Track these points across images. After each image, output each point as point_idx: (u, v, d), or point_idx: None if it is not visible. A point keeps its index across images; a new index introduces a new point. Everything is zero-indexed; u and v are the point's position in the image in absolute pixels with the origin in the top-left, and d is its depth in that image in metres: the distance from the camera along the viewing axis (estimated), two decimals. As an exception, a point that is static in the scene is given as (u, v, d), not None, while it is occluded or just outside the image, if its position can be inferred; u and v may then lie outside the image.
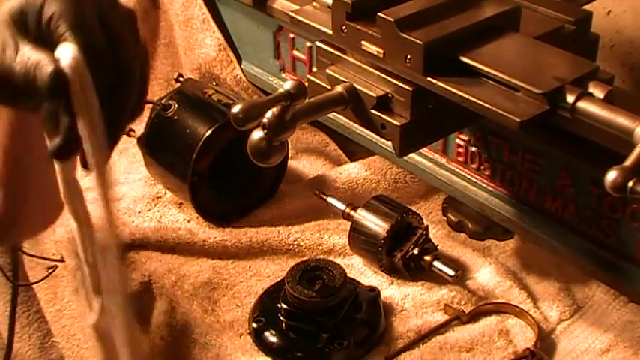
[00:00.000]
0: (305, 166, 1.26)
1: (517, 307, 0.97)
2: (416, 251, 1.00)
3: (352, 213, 1.04)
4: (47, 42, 0.66)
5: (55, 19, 0.66)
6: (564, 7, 0.91)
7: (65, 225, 1.18)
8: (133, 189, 1.21)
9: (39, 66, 0.64)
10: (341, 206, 1.07)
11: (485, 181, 1.00)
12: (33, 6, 0.67)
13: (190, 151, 1.06)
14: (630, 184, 0.65)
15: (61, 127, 0.65)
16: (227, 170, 1.10)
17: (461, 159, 1.02)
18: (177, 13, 1.35)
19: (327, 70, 0.89)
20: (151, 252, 1.10)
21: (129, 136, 1.18)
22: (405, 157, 0.91)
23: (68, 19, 0.66)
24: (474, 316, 0.97)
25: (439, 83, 0.79)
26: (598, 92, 0.75)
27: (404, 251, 1.00)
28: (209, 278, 1.04)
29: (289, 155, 1.18)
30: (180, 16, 1.34)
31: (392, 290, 1.02)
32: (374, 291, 0.98)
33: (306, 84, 0.81)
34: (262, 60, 1.27)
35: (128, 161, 1.30)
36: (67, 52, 0.64)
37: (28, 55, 0.65)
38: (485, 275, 1.02)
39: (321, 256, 1.06)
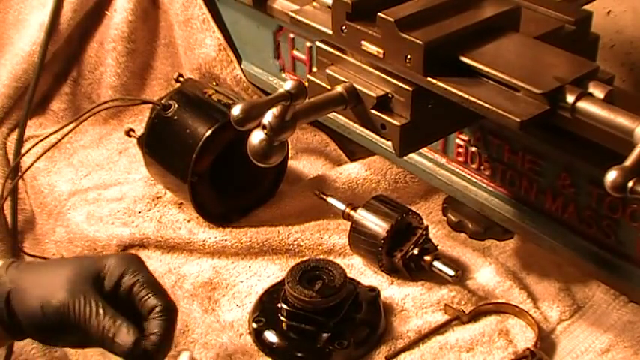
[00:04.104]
0: (305, 166, 1.26)
1: (517, 307, 0.97)
2: (416, 251, 1.00)
3: (352, 213, 1.04)
4: (123, 304, 0.82)
5: (139, 286, 0.83)
6: (564, 7, 0.91)
7: (65, 225, 1.18)
8: (133, 189, 1.21)
9: (118, 336, 0.78)
10: (341, 206, 1.07)
11: (485, 181, 1.00)
12: (111, 275, 0.83)
13: (190, 151, 1.06)
14: (630, 184, 0.65)
15: None
16: (227, 170, 1.10)
17: (461, 159, 1.02)
18: (177, 13, 1.35)
19: (327, 70, 0.89)
20: (151, 252, 1.10)
21: (129, 136, 1.19)
22: (405, 157, 0.91)
23: (150, 286, 0.83)
24: (474, 316, 0.97)
25: (439, 83, 0.79)
26: (598, 92, 0.75)
27: (404, 251, 1.00)
28: (209, 278, 1.04)
29: (289, 155, 1.18)
30: (180, 16, 1.34)
31: (392, 290, 1.02)
32: (374, 291, 0.98)
33: (306, 84, 0.81)
34: (262, 60, 1.27)
35: (128, 161, 1.30)
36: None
37: (105, 320, 0.79)
38: (485, 275, 1.02)
39: (321, 256, 1.06)
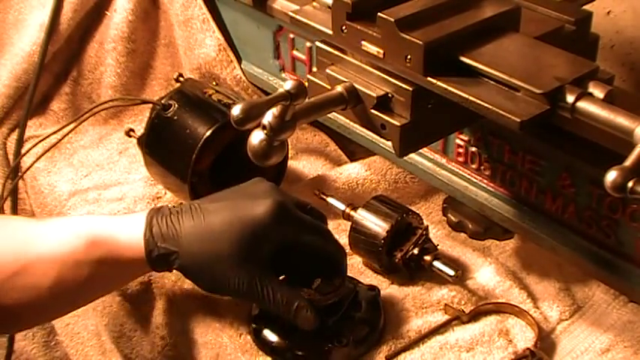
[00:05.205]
0: (305, 166, 1.26)
1: (517, 307, 0.97)
2: (416, 251, 1.00)
3: (352, 213, 1.04)
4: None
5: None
6: (564, 7, 0.91)
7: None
8: (133, 189, 1.21)
9: (299, 309, 0.88)
10: (341, 206, 1.07)
11: (485, 181, 1.00)
12: (269, 242, 0.90)
13: (190, 151, 1.06)
14: (630, 184, 0.65)
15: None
16: (227, 170, 1.10)
17: (461, 159, 1.02)
18: (177, 13, 1.35)
19: (327, 70, 0.89)
20: (151, 252, 1.10)
21: (129, 136, 1.19)
22: (405, 157, 0.91)
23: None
24: (474, 316, 0.97)
25: (439, 83, 0.79)
26: (598, 92, 0.75)
27: (404, 251, 1.00)
28: (209, 278, 1.04)
29: (289, 155, 1.18)
30: (180, 16, 1.34)
31: (392, 290, 1.02)
32: (374, 290, 0.98)
33: (306, 84, 0.81)
34: (262, 60, 1.27)
35: (128, 161, 1.30)
36: None
37: (285, 302, 0.88)
38: (485, 275, 1.02)
39: (321, 256, 1.06)
